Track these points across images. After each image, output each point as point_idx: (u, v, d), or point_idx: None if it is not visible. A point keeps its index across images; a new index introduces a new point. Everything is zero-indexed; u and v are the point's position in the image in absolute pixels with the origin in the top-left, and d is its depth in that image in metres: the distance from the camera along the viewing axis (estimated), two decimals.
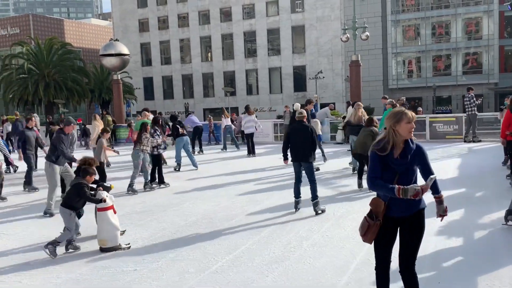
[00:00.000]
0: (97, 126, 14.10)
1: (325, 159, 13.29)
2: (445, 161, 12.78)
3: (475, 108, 16.39)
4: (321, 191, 8.92)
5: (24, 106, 45.56)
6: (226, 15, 54.57)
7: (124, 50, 25.79)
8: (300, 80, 51.91)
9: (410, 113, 3.30)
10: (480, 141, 16.79)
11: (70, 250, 5.93)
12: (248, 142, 16.30)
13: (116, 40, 26.88)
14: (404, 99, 15.72)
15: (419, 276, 3.64)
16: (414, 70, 51.44)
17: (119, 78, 26.71)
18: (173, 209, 8.31)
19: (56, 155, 8.11)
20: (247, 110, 16.66)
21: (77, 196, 5.82)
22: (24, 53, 45.37)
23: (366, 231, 3.48)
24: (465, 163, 12.30)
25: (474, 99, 16.28)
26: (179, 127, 13.02)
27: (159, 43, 57.68)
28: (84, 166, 5.99)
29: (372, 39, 43.01)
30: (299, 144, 7.40)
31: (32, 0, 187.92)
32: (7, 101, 45.30)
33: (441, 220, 3.65)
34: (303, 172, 7.56)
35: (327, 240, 6.13)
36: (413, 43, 50.95)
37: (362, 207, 7.82)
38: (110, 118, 22.49)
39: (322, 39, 50.26)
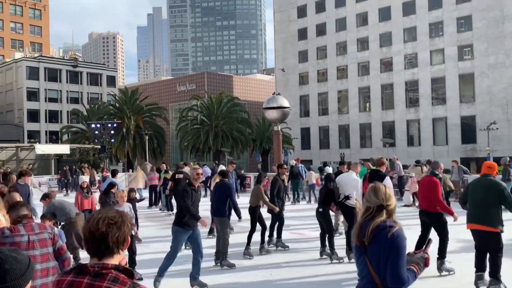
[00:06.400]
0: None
1: None
2: None
3: None
4: None
5: (196, 153, 50.60)
6: (386, 65, 53.80)
7: (285, 103, 26.90)
8: (468, 131, 47.63)
9: None
10: None
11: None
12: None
13: (278, 94, 28.33)
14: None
15: None
16: None
17: (279, 129, 27.92)
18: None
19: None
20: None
21: None
22: (198, 106, 50.88)
23: None
24: None
25: None
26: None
27: (318, 95, 59.28)
28: None
29: None
30: None
31: (207, 59, 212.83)
32: (182, 148, 51.10)
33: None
34: None
35: None
36: None
37: None
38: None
39: (495, 87, 45.80)
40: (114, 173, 12.19)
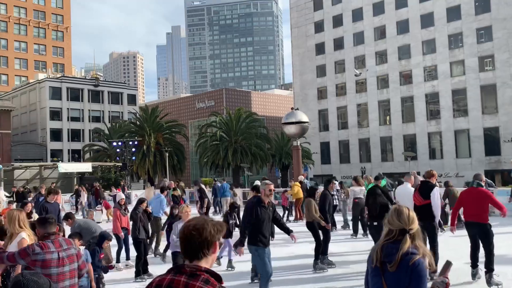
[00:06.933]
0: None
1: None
2: None
3: None
4: None
5: (216, 169, 50.63)
6: (406, 78, 53.33)
7: (304, 118, 26.78)
8: (492, 143, 46.64)
9: None
10: None
11: None
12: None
13: (297, 109, 28.25)
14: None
15: None
16: None
17: (299, 144, 27.75)
18: None
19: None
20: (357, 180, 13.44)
21: None
22: (217, 122, 51.13)
23: None
24: None
25: None
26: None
27: (336, 109, 58.98)
28: None
29: None
30: None
31: (225, 76, 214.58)
32: (202, 165, 51.25)
33: None
34: None
35: None
36: None
37: None
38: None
39: None
40: (162, 190, 12.73)
